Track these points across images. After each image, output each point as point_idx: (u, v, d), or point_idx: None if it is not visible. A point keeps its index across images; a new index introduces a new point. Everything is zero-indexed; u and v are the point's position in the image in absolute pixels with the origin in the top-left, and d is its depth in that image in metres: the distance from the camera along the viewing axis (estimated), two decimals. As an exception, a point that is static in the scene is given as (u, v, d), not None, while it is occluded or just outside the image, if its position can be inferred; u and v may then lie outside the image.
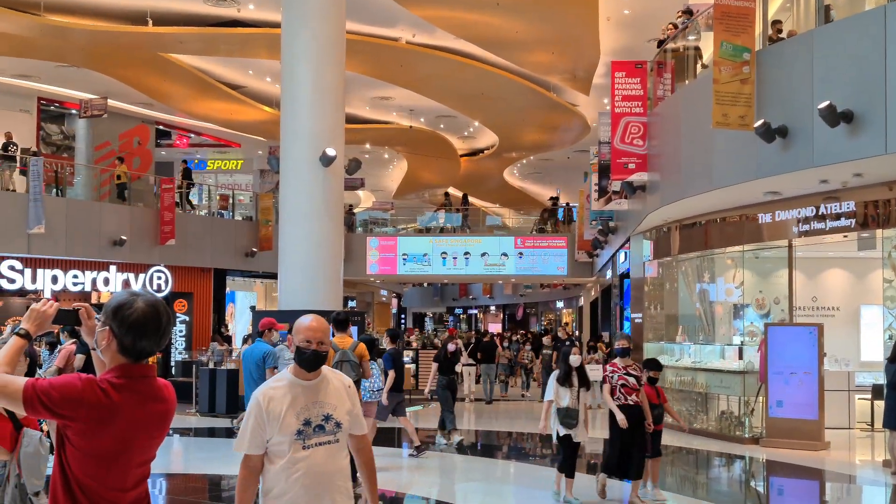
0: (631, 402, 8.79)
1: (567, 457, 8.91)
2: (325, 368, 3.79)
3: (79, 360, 10.34)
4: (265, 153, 27.18)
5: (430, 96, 23.48)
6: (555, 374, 9.02)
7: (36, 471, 4.27)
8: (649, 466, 9.29)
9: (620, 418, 8.77)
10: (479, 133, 28.60)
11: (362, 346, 9.21)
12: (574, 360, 8.85)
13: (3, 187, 18.98)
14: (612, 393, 8.86)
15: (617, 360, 9.05)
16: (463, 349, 14.08)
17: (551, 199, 31.05)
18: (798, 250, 14.16)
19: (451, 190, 34.57)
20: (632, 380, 8.84)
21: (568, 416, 8.73)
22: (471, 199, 36.70)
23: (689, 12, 14.07)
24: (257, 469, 3.68)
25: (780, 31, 11.80)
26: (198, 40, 19.55)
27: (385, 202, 35.97)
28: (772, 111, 10.58)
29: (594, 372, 14.61)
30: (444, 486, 11.21)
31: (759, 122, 10.46)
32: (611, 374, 8.94)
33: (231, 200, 25.96)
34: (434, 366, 13.97)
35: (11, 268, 18.74)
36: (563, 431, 8.80)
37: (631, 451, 8.83)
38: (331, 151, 14.46)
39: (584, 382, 8.92)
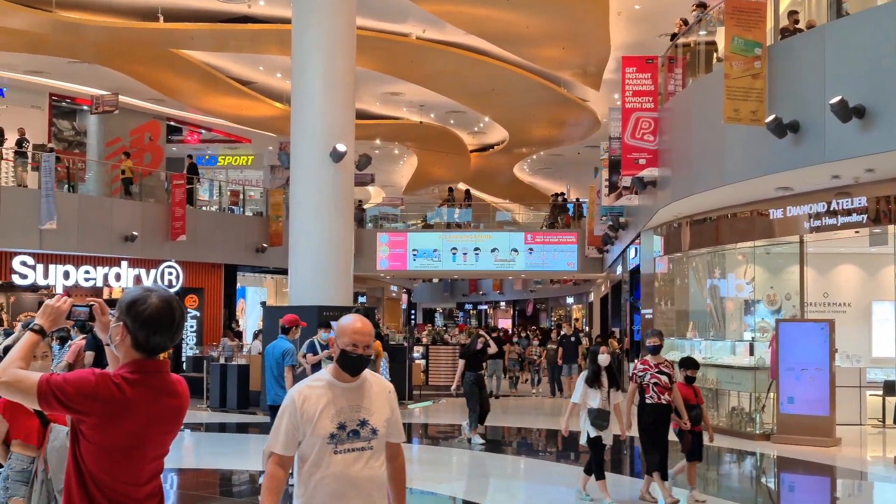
0: (664, 402, 8.57)
1: (597, 459, 8.67)
2: (366, 371, 3.59)
3: (88, 356, 10.33)
4: (275, 149, 27.20)
5: (440, 92, 23.46)
6: (583, 374, 8.79)
7: (63, 467, 4.31)
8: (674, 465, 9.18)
9: (627, 425, 8.75)
10: (489, 128, 28.57)
11: (378, 344, 9.19)
12: (603, 359, 8.63)
13: (15, 183, 19.09)
14: (645, 391, 8.60)
15: (648, 358, 8.76)
16: (492, 343, 13.87)
17: (557, 195, 30.97)
18: (809, 246, 14.10)
19: (456, 185, 34.52)
20: (664, 378, 8.58)
21: (598, 418, 8.50)
22: (481, 194, 36.68)
23: (702, 5, 14.00)
24: (287, 469, 3.50)
25: (797, 21, 11.67)
26: (209, 36, 19.61)
27: (395, 198, 35.98)
28: (783, 106, 10.53)
29: None
30: (453, 481, 11.22)
31: (771, 118, 10.42)
32: (642, 373, 8.66)
33: (241, 196, 26.03)
34: (461, 363, 13.75)
35: (24, 263, 18.84)
36: (593, 433, 8.56)
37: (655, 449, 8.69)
38: (341, 147, 14.48)
39: (614, 382, 8.72)
